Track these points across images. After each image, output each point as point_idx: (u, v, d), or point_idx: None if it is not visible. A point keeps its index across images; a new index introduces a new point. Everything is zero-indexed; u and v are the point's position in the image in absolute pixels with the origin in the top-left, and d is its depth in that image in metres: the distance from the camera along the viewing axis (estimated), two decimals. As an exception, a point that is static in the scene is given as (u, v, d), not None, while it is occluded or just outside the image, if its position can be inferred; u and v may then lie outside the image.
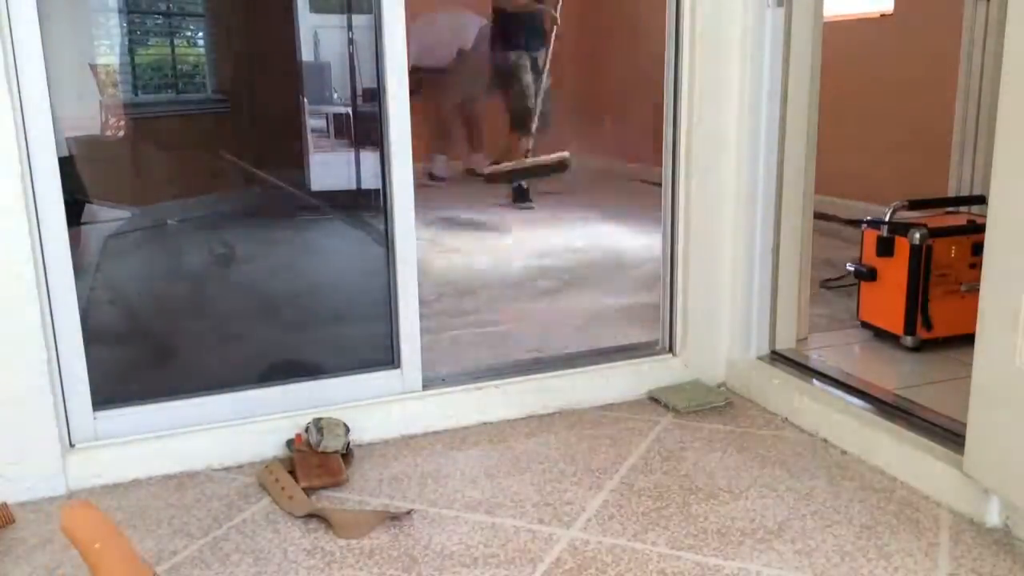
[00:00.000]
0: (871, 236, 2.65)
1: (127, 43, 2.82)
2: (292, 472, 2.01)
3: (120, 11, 2.73)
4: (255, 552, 1.74)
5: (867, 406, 2.17)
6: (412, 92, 2.16)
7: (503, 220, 5.06)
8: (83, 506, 1.46)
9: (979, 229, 2.14)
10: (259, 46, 2.77)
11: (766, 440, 2.22)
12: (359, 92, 3.24)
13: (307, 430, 2.10)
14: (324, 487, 1.99)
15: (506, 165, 5.28)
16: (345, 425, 2.11)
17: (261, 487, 2.00)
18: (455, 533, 1.80)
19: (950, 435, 1.94)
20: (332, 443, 2.06)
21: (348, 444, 2.11)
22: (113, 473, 2.04)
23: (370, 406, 2.24)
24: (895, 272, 2.58)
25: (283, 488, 1.95)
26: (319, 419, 2.10)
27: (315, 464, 2.03)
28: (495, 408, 2.35)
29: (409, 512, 1.88)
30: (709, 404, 2.38)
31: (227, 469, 2.11)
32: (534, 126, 5.54)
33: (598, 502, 1.92)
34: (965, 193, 2.91)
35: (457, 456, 2.16)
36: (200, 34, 3.00)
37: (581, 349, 2.70)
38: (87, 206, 2.53)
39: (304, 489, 1.95)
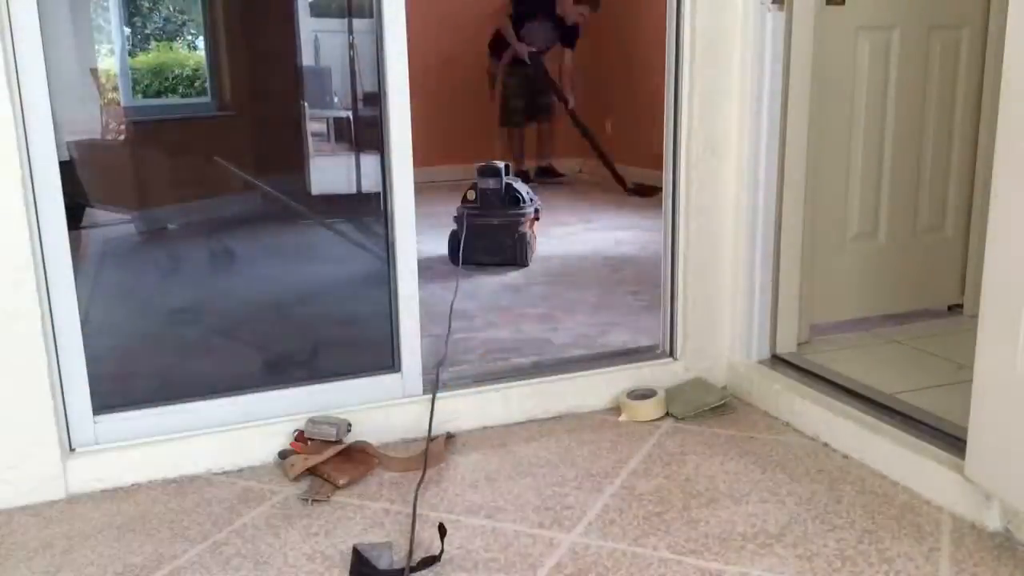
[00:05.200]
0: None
1: (128, 48, 2.82)
2: (312, 471, 2.04)
3: (121, 16, 2.74)
4: (255, 556, 1.74)
5: (868, 410, 2.16)
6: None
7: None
8: None
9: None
10: (260, 51, 2.78)
11: (767, 444, 2.21)
12: (360, 96, 3.24)
13: (307, 435, 2.10)
14: (363, 476, 2.05)
15: None
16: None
17: (297, 475, 2.04)
18: (455, 537, 1.79)
19: (951, 439, 1.94)
20: (341, 427, 2.11)
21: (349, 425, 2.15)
22: (113, 477, 2.03)
23: (370, 409, 2.24)
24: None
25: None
26: (313, 419, 2.12)
27: (343, 459, 2.06)
28: (495, 412, 2.34)
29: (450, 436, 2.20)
30: (708, 406, 2.38)
31: (227, 473, 2.10)
32: None
33: (599, 506, 1.92)
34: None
35: (457, 460, 2.15)
36: (201, 39, 3.00)
37: (582, 353, 2.70)
38: (87, 210, 2.53)
39: (346, 484, 2.01)
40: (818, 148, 2.52)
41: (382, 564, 1.65)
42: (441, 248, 4.03)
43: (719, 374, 2.56)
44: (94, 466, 2.02)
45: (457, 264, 3.77)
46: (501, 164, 4.16)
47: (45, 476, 1.97)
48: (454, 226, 4.00)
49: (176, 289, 2.62)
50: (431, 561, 1.68)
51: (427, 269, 3.84)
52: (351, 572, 1.66)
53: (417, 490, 1.96)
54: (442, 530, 1.75)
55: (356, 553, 1.68)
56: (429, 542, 1.77)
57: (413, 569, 1.65)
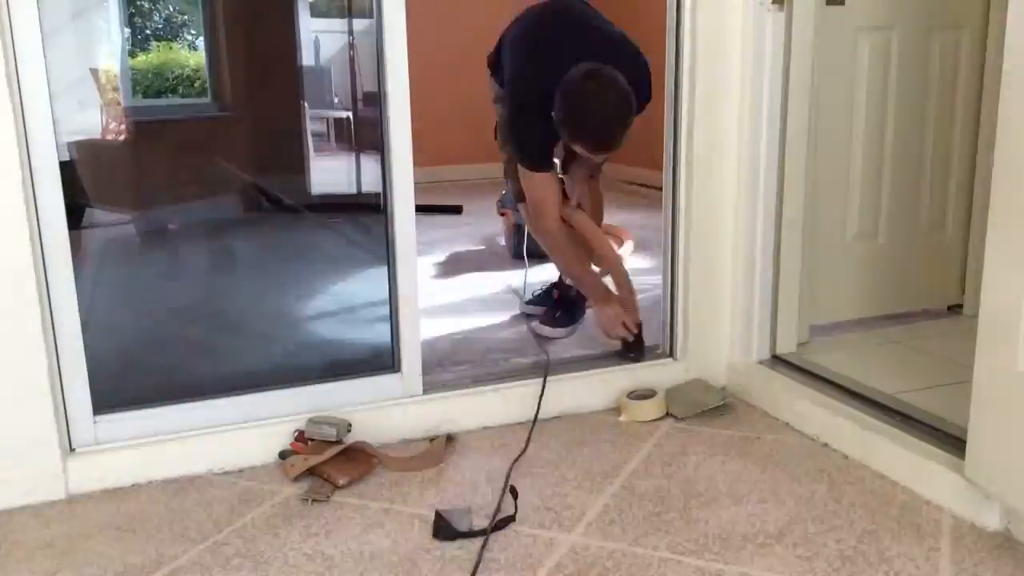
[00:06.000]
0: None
1: (128, 48, 2.82)
2: (312, 471, 2.04)
3: (121, 16, 2.74)
4: (255, 556, 1.74)
5: (868, 410, 2.16)
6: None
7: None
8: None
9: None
10: (260, 51, 2.77)
11: (767, 444, 2.21)
12: (360, 96, 3.24)
13: (307, 436, 2.10)
14: (364, 476, 2.06)
15: None
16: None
17: (297, 475, 2.04)
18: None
19: (951, 439, 1.94)
20: (341, 427, 2.11)
21: (349, 425, 2.15)
22: (113, 477, 2.04)
23: (370, 410, 2.24)
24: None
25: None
26: (313, 419, 2.12)
27: (343, 459, 2.07)
28: (495, 412, 2.34)
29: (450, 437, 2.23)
30: (709, 406, 2.38)
31: (227, 473, 2.10)
32: None
33: (599, 506, 1.92)
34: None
35: (457, 460, 2.15)
36: (201, 39, 3.00)
37: (581, 353, 2.70)
38: (87, 210, 2.53)
39: (346, 484, 2.02)
40: (818, 148, 2.53)
41: (462, 527, 1.80)
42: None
43: (719, 374, 2.56)
44: (94, 466, 2.02)
45: (521, 257, 3.73)
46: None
47: (45, 476, 1.97)
48: (499, 223, 4.07)
49: (176, 289, 2.62)
50: (508, 521, 1.83)
51: (466, 260, 3.97)
52: (434, 534, 1.79)
53: (516, 461, 2.13)
54: (514, 492, 1.92)
55: (438, 516, 1.82)
56: (429, 543, 1.77)
57: (495, 528, 1.80)
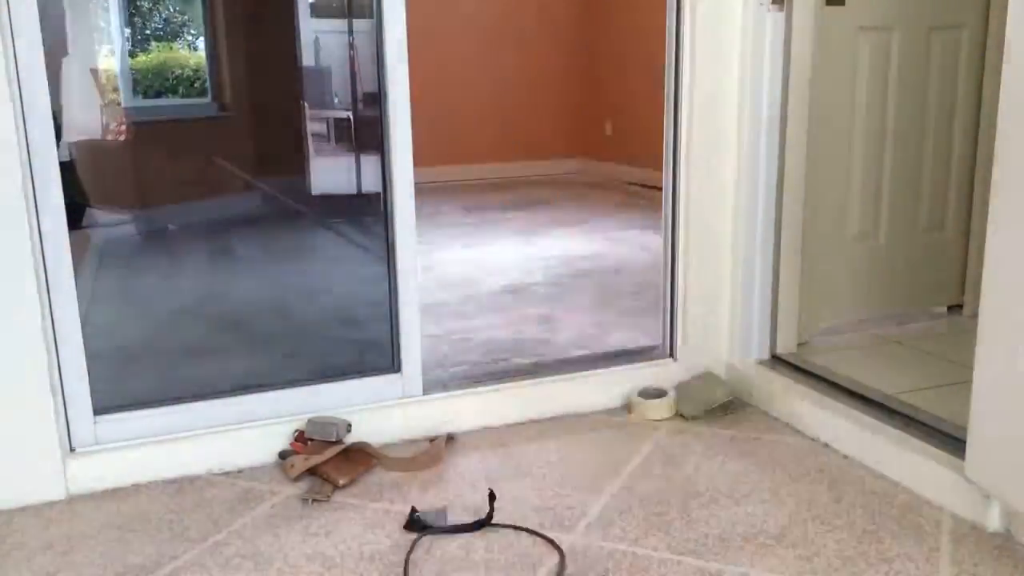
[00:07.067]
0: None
1: (128, 48, 2.82)
2: (312, 471, 2.04)
3: (121, 16, 2.74)
4: (255, 557, 1.74)
5: (868, 410, 2.16)
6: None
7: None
8: None
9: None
10: (260, 51, 2.78)
11: (767, 445, 2.21)
12: (360, 96, 3.25)
13: (307, 436, 2.10)
14: (363, 476, 2.06)
15: None
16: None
17: (297, 475, 2.03)
18: (455, 538, 1.79)
19: (952, 439, 1.94)
20: (341, 427, 2.10)
21: (349, 426, 2.15)
22: (113, 478, 2.04)
23: (371, 410, 2.24)
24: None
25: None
26: (313, 419, 2.12)
27: (343, 459, 2.06)
28: (496, 412, 2.34)
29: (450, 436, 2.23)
30: (717, 402, 2.38)
31: (227, 473, 2.10)
32: None
33: (599, 506, 1.92)
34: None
35: (457, 460, 2.15)
36: (201, 39, 3.00)
37: (582, 353, 2.70)
38: (87, 210, 2.53)
39: (346, 484, 2.02)
40: (818, 148, 2.53)
41: (435, 523, 1.83)
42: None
43: (719, 374, 2.56)
44: (94, 466, 2.02)
45: None
46: None
47: (45, 476, 1.97)
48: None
49: (176, 289, 2.62)
50: (484, 523, 1.83)
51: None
52: (405, 526, 1.81)
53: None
54: (492, 495, 1.87)
55: (412, 511, 1.84)
56: (428, 543, 1.77)
57: (467, 529, 1.82)
